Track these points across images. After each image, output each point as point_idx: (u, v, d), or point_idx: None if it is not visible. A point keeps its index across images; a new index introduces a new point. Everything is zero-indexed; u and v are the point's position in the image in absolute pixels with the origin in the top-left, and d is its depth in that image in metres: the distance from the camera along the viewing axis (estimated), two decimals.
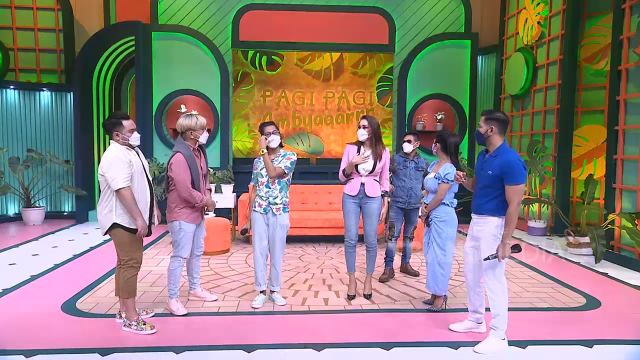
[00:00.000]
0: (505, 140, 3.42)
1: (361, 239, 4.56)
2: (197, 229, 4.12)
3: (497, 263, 3.31)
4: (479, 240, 3.44)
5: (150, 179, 3.82)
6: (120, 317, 3.79)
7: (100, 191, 3.69)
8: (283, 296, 4.41)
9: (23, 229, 7.86)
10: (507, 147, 3.37)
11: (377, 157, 4.26)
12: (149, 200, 3.71)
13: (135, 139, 3.65)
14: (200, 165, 4.05)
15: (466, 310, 3.83)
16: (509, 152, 3.32)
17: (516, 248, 3.32)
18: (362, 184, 4.30)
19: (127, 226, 3.57)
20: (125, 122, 3.61)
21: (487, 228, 3.36)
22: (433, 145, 4.26)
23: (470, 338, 3.59)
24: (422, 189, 5.10)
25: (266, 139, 4.10)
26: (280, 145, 4.22)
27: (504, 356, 3.30)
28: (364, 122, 4.29)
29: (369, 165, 4.26)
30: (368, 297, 4.46)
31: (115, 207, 3.54)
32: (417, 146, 5.04)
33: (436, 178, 4.07)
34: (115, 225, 3.56)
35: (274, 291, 4.33)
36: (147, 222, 3.68)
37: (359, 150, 4.34)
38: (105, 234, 3.63)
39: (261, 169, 4.19)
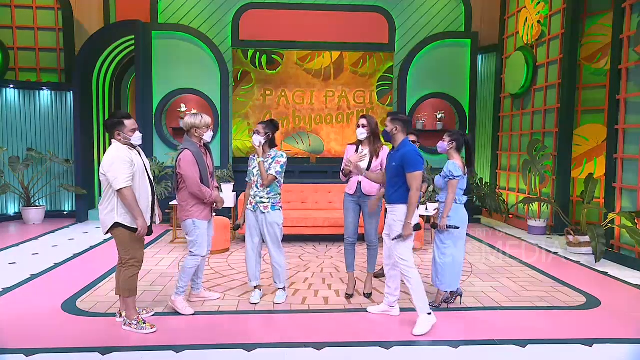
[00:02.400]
0: (407, 137, 3.84)
1: (363, 237, 4.57)
2: (208, 227, 4.15)
3: (403, 244, 3.69)
4: (392, 227, 3.78)
5: (152, 178, 3.83)
6: (121, 316, 3.79)
7: (100, 190, 3.70)
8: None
9: (23, 228, 7.86)
10: (407, 142, 3.79)
11: (375, 155, 4.30)
12: (150, 199, 3.73)
13: (137, 138, 3.66)
14: (207, 163, 4.09)
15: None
16: (408, 145, 3.76)
17: (416, 227, 3.67)
18: (359, 182, 4.33)
19: (129, 225, 3.59)
20: (127, 122, 3.62)
21: (397, 215, 3.74)
22: (447, 143, 4.15)
23: (469, 337, 3.60)
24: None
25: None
26: (272, 145, 4.21)
27: (506, 355, 3.31)
28: (364, 122, 4.30)
29: (364, 163, 4.27)
30: (368, 296, 4.47)
31: (117, 207, 3.56)
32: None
33: (441, 176, 4.11)
34: (117, 225, 3.58)
35: (279, 288, 4.35)
36: (149, 221, 3.70)
37: (357, 150, 4.37)
38: (107, 232, 3.65)
39: (253, 168, 4.22)
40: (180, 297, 4.03)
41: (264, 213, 4.13)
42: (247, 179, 4.32)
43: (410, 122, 3.89)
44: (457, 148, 4.16)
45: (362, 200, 4.36)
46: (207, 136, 4.08)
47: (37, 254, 6.04)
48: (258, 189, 4.15)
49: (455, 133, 4.20)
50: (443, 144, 4.19)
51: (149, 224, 3.68)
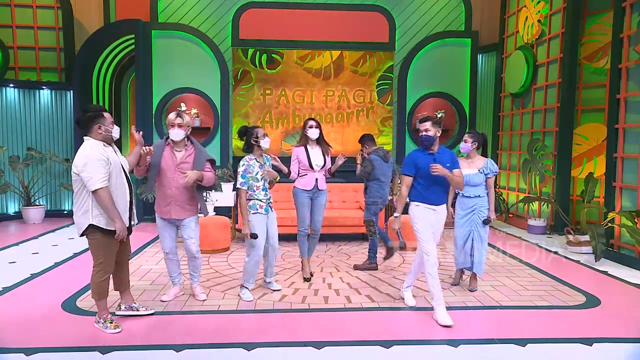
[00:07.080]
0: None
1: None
2: (182, 227, 4.16)
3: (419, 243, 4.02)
4: None
5: (129, 176, 3.71)
6: (120, 309, 3.87)
7: None
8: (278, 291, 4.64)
9: (23, 227, 7.87)
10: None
11: (326, 152, 4.87)
12: (128, 199, 3.60)
13: (117, 132, 3.56)
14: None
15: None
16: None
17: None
18: (316, 179, 4.80)
19: (105, 228, 3.45)
20: (106, 115, 3.49)
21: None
22: (470, 144, 4.50)
23: (469, 336, 3.60)
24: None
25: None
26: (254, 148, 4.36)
27: (506, 355, 3.31)
28: (314, 123, 4.79)
29: (320, 160, 4.81)
30: (308, 279, 4.92)
31: (92, 208, 3.40)
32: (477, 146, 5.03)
33: (483, 173, 4.42)
34: (91, 227, 3.44)
35: (271, 281, 4.65)
36: (127, 222, 3.60)
37: (306, 150, 4.80)
38: (82, 235, 3.52)
39: (256, 174, 4.23)
40: (175, 287, 4.36)
41: (273, 211, 4.39)
42: (242, 186, 4.17)
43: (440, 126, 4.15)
44: (478, 147, 4.52)
45: (316, 195, 4.87)
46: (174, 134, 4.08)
47: (37, 253, 6.04)
48: (266, 190, 4.30)
49: (475, 133, 4.51)
50: (467, 145, 4.49)
51: (127, 225, 3.58)
